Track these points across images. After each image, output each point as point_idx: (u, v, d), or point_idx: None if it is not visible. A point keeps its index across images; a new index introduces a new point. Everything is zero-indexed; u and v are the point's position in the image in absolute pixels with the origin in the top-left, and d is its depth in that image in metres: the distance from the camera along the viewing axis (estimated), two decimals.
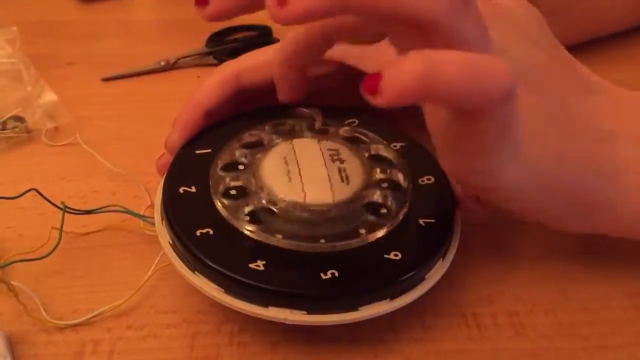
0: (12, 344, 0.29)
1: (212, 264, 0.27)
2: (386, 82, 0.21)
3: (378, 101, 0.21)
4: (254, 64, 0.37)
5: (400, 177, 0.32)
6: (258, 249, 0.28)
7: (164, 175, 0.32)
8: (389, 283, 0.28)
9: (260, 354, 0.29)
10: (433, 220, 0.30)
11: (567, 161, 0.28)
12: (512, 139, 0.26)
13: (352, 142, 0.34)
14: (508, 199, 0.29)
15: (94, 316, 0.30)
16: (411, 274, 0.28)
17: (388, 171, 0.32)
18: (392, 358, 0.29)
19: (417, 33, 0.23)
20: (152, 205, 0.37)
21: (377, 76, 0.21)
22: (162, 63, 0.51)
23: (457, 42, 0.23)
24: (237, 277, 0.27)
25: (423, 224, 0.30)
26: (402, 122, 0.35)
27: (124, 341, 0.30)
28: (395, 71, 0.21)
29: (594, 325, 0.31)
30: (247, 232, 0.29)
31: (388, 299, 0.28)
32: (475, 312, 0.31)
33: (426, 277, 0.29)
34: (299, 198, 0.30)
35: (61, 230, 0.32)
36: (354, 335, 0.30)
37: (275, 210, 0.30)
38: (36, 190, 0.33)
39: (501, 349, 0.30)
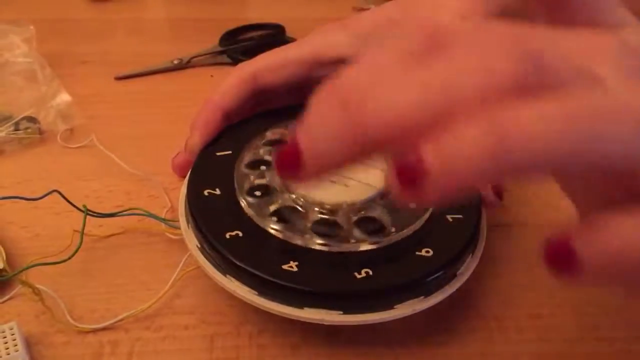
0: (30, 345, 0.29)
1: (245, 267, 0.27)
2: (588, 261, 0.16)
3: (572, 282, 0.17)
4: (271, 64, 0.36)
5: None
6: (289, 250, 0.28)
7: (186, 178, 0.32)
8: (424, 280, 0.27)
9: (280, 356, 0.29)
10: (460, 216, 0.30)
11: None
12: None
13: None
14: None
15: (119, 320, 0.30)
16: (445, 270, 0.28)
17: None
18: None
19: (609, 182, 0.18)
20: (172, 208, 0.36)
21: (569, 250, 0.16)
22: (176, 62, 0.51)
23: None
24: (272, 279, 0.26)
25: (451, 219, 0.30)
26: None
27: (143, 342, 0.29)
28: (601, 248, 0.16)
29: (618, 329, 0.31)
30: (276, 234, 0.28)
31: (422, 297, 0.27)
32: (497, 315, 0.31)
33: (457, 273, 0.29)
34: (329, 199, 0.29)
35: (82, 233, 0.31)
36: (374, 337, 0.30)
37: (304, 211, 0.29)
38: (58, 192, 0.33)
39: (524, 353, 0.30)
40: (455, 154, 0.15)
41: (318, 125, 0.17)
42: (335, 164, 0.17)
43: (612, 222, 0.16)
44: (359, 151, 0.17)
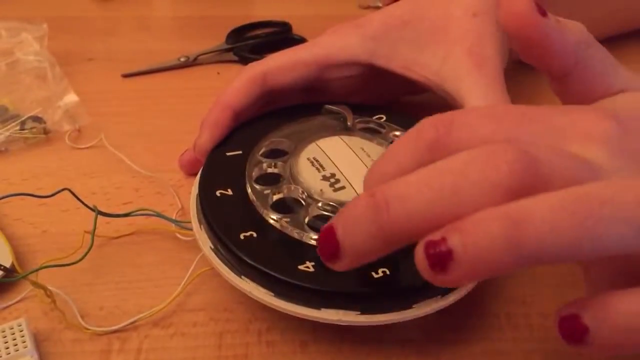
0: (39, 342, 0.29)
1: (262, 268, 0.27)
2: (598, 336, 0.18)
3: (585, 352, 0.19)
4: (280, 64, 0.36)
5: None
6: (305, 250, 0.28)
7: (197, 179, 0.32)
8: None
9: (289, 353, 0.29)
10: None
11: None
12: None
13: (371, 133, 0.34)
14: None
15: (132, 323, 0.29)
16: None
17: None
18: (424, 359, 0.29)
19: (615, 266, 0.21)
20: (182, 209, 0.36)
21: (579, 324, 0.19)
22: (182, 59, 0.51)
23: None
24: (288, 280, 0.26)
25: None
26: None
27: (152, 339, 0.29)
28: (608, 323, 0.18)
29: None
30: (291, 234, 0.28)
31: (439, 296, 0.27)
32: (508, 312, 0.31)
33: None
34: (349, 198, 0.29)
35: (93, 234, 0.31)
36: (384, 335, 0.29)
37: (322, 212, 0.29)
38: (69, 190, 0.33)
39: (535, 351, 0.29)
40: (477, 242, 0.18)
41: (352, 222, 0.21)
42: (369, 254, 0.21)
43: (617, 300, 0.18)
44: (387, 245, 0.20)
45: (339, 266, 0.21)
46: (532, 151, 0.19)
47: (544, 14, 0.23)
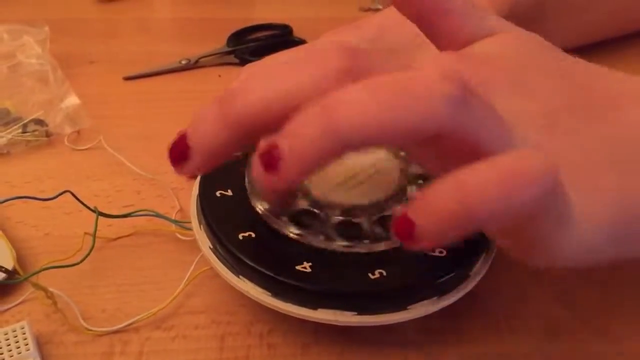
0: (41, 344, 0.29)
1: (259, 268, 0.27)
2: (422, 228, 0.18)
3: (418, 247, 0.19)
4: None
5: None
6: (303, 251, 0.28)
7: (197, 180, 0.32)
8: (438, 280, 0.27)
9: (290, 355, 0.29)
10: None
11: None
12: (566, 215, 0.22)
13: None
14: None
15: (132, 323, 0.30)
16: (458, 270, 0.28)
17: None
18: None
19: (430, 146, 0.21)
20: (181, 209, 0.36)
21: (406, 221, 0.19)
22: (184, 62, 0.51)
23: (473, 142, 0.20)
24: (285, 280, 0.26)
25: None
26: None
27: (153, 342, 0.29)
28: (428, 212, 0.18)
29: (628, 329, 0.30)
30: (290, 235, 0.28)
31: (435, 297, 0.27)
32: (507, 314, 0.31)
33: (471, 273, 0.29)
34: (342, 199, 0.29)
35: (94, 235, 0.31)
36: (385, 337, 0.29)
37: (317, 212, 0.29)
38: (71, 192, 0.33)
39: (534, 352, 0.29)
40: (298, 136, 0.19)
41: (200, 120, 0.21)
42: (217, 150, 0.21)
43: (433, 187, 0.19)
44: (234, 137, 0.21)
45: (188, 167, 0.22)
46: (363, 51, 0.21)
47: None
